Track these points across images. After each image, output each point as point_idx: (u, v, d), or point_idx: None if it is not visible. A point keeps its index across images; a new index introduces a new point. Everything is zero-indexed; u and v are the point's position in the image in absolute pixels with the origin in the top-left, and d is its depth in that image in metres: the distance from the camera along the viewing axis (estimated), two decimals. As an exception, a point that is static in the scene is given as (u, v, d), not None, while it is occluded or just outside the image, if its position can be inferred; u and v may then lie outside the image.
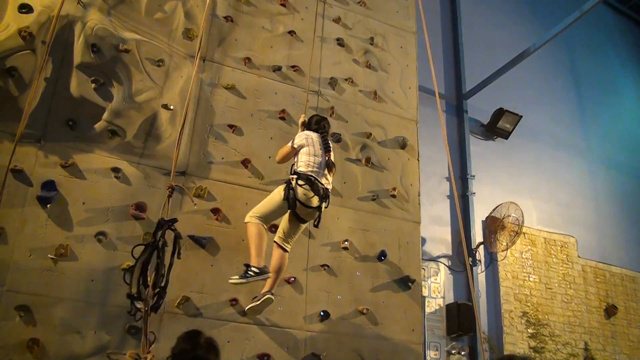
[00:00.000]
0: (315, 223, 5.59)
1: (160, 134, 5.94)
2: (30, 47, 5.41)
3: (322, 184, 5.48)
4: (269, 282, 5.39)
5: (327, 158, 5.64)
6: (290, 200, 5.31)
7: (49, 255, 5.08)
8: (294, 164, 5.64)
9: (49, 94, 5.48)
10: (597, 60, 14.82)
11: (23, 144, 5.12)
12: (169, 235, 4.68)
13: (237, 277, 5.25)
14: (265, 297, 5.29)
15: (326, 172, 5.61)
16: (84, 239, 5.28)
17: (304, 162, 5.49)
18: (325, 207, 5.59)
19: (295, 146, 5.63)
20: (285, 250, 5.57)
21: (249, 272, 5.19)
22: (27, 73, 5.35)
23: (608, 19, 15.85)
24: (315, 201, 5.38)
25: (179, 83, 6.21)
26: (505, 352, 9.44)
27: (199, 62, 6.48)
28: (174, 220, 4.77)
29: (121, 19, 6.11)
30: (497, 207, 10.16)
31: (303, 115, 6.31)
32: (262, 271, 5.21)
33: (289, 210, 5.49)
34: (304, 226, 5.69)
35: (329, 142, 5.80)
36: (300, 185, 5.33)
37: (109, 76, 5.79)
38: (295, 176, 5.41)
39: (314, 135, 5.71)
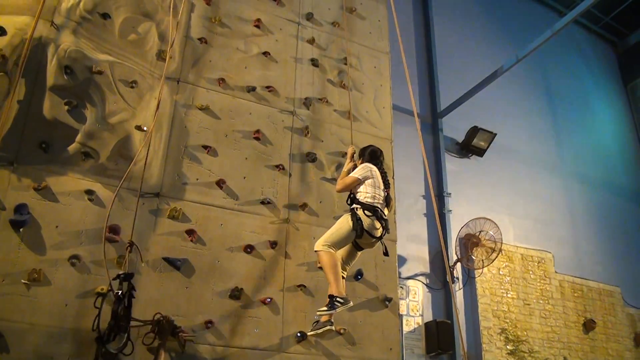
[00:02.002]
0: (385, 251, 5.72)
1: (133, 156, 5.91)
2: (2, 70, 5.39)
3: (385, 216, 5.65)
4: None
5: (386, 193, 5.78)
6: (358, 230, 5.44)
7: (22, 280, 5.01)
8: (352, 194, 5.74)
9: (21, 116, 5.44)
10: (569, 78, 15.05)
11: (-5, 167, 5.10)
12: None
13: (325, 308, 5.26)
14: (326, 328, 5.34)
15: (385, 206, 5.77)
16: (57, 263, 5.22)
17: (370, 194, 5.61)
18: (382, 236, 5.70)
19: (361, 178, 5.70)
20: (343, 277, 5.68)
21: (336, 303, 5.22)
22: (0, 95, 5.32)
23: (580, 38, 16.15)
24: (379, 232, 5.55)
25: (153, 104, 6.21)
26: None
27: (173, 84, 6.51)
28: (131, 276, 5.07)
29: (94, 40, 6.12)
30: (469, 221, 10.21)
31: (352, 146, 6.45)
32: (346, 300, 5.28)
33: (353, 240, 5.62)
34: (359, 254, 5.84)
35: (387, 177, 5.95)
36: (368, 216, 5.47)
37: (82, 98, 5.78)
38: (359, 206, 5.54)
39: (375, 168, 5.83)
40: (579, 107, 14.75)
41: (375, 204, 5.57)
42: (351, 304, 5.35)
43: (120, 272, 5.06)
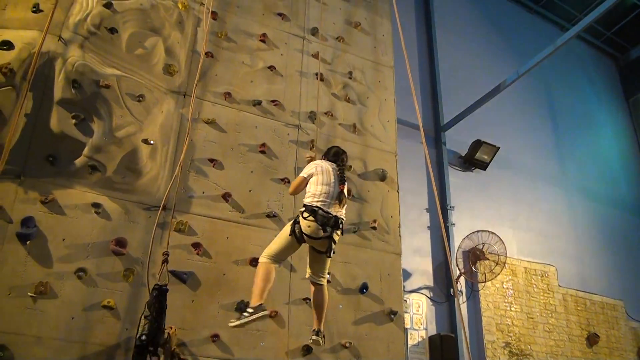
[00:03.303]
0: (328, 253, 5.34)
1: (140, 169, 5.94)
2: (10, 84, 5.40)
3: (330, 213, 5.24)
4: (314, 319, 5.35)
5: (340, 190, 5.42)
6: (297, 234, 5.22)
7: (29, 293, 5.02)
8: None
9: (29, 129, 5.47)
10: (572, 92, 15.12)
11: (2, 180, 5.13)
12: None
13: (235, 320, 5.14)
14: (311, 339, 5.24)
15: (337, 202, 5.38)
16: (64, 276, 5.24)
17: (311, 192, 5.36)
18: (340, 235, 5.38)
19: (306, 176, 5.51)
20: (318, 284, 5.43)
21: (245, 313, 5.09)
22: (8, 109, 5.34)
23: (582, 52, 16.24)
24: (321, 232, 5.17)
25: (159, 118, 6.24)
26: None
27: (180, 97, 6.54)
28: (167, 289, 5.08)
29: (102, 55, 6.15)
30: (470, 233, 10.23)
31: (310, 151, 6.37)
32: (256, 310, 5.07)
33: (309, 246, 5.37)
34: (329, 258, 5.45)
35: (344, 174, 5.60)
36: (304, 218, 5.20)
37: (90, 112, 5.81)
38: (303, 209, 5.31)
39: (325, 165, 5.59)
40: (581, 120, 14.80)
41: (315, 203, 5.25)
42: (263, 314, 5.09)
43: (159, 283, 5.04)
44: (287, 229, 5.32)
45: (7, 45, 5.51)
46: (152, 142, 6.06)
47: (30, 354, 4.86)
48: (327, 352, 6.18)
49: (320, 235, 5.19)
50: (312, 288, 5.46)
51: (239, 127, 6.82)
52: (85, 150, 5.69)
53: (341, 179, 5.50)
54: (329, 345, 6.24)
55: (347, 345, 6.29)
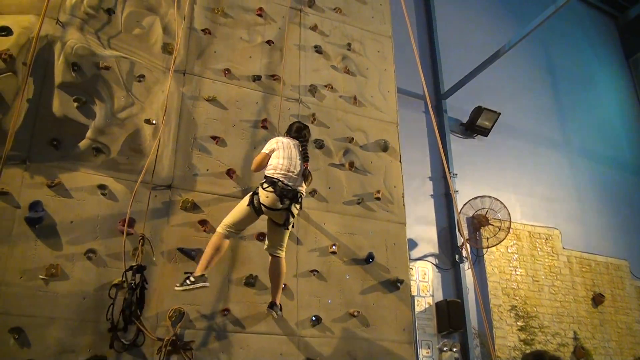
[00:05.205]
0: (285, 226, 5.54)
1: (144, 149, 5.97)
2: (11, 69, 5.41)
3: (289, 185, 5.43)
4: (272, 291, 5.58)
5: (304, 168, 5.63)
6: (255, 205, 5.38)
7: (40, 276, 5.10)
8: None
9: (31, 114, 5.49)
10: (572, 55, 15.02)
11: (8, 165, 5.13)
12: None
13: (178, 284, 5.30)
14: (199, 285, 5.29)
15: (302, 179, 5.61)
16: (74, 258, 5.30)
17: (272, 165, 5.52)
18: (299, 209, 5.63)
19: (267, 151, 5.67)
20: (276, 257, 5.63)
21: (187, 281, 5.26)
22: (10, 95, 5.36)
23: (582, 13, 16.09)
24: (278, 203, 5.36)
25: (160, 97, 6.25)
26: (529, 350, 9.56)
27: (180, 76, 6.55)
28: (143, 268, 5.22)
29: (100, 36, 6.15)
30: (471, 199, 10.28)
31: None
32: (197, 280, 5.25)
33: (268, 218, 5.55)
34: (288, 230, 5.66)
35: (307, 151, 5.81)
36: (264, 189, 5.37)
37: (91, 94, 5.81)
38: (263, 180, 5.48)
39: (286, 140, 5.77)
40: (582, 82, 14.74)
41: (276, 175, 5.43)
42: (203, 285, 5.26)
43: (133, 264, 5.17)
44: (246, 199, 5.47)
45: (6, 31, 5.49)
46: (154, 121, 6.08)
47: (44, 335, 4.95)
48: (336, 321, 6.28)
49: (278, 207, 5.37)
50: (270, 261, 5.66)
51: (239, 104, 6.83)
52: (89, 133, 5.71)
53: (304, 157, 5.70)
54: (338, 315, 6.34)
55: (356, 314, 6.38)
